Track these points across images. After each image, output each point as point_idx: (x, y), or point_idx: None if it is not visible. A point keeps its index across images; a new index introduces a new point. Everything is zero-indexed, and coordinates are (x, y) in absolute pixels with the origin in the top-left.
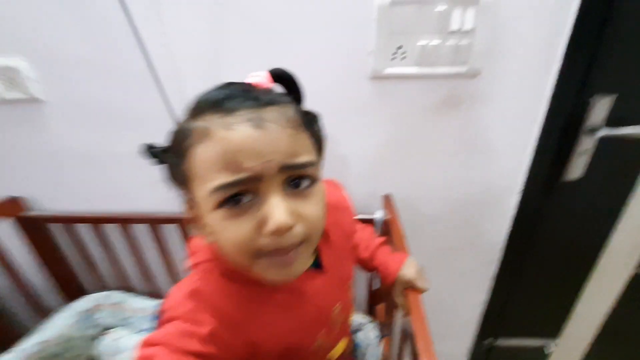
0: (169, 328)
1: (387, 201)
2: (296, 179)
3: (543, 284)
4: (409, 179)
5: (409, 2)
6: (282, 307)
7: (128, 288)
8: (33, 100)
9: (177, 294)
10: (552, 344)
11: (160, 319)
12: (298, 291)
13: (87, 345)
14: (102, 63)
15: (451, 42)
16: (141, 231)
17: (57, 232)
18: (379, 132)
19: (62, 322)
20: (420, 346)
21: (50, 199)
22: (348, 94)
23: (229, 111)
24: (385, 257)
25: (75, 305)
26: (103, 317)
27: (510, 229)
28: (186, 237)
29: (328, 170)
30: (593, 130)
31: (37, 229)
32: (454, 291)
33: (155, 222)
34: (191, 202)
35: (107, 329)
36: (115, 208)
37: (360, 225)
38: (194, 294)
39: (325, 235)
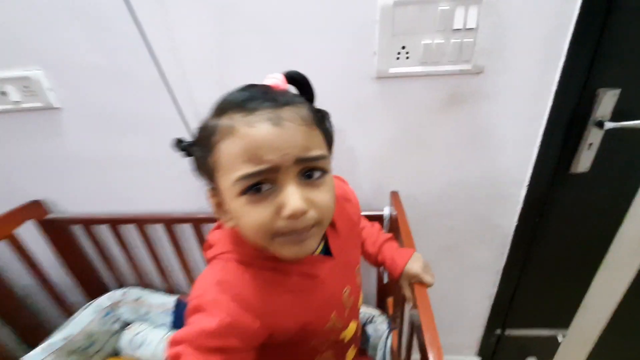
0: (194, 325)
1: (395, 198)
2: (309, 170)
3: (552, 275)
4: (416, 176)
5: (411, 2)
6: (296, 290)
7: (145, 285)
8: (49, 108)
9: (201, 283)
10: (561, 334)
11: (187, 307)
12: (310, 275)
13: (110, 339)
14: (113, 70)
15: (454, 40)
16: (157, 230)
17: (78, 232)
18: (385, 131)
19: (85, 318)
20: (427, 337)
21: (70, 201)
22: (353, 94)
23: (251, 111)
24: (392, 252)
25: (97, 302)
26: (123, 313)
27: (518, 222)
28: (200, 235)
29: (336, 168)
30: (600, 123)
31: (58, 230)
32: (463, 284)
33: (169, 222)
34: (215, 191)
35: (127, 323)
36: (132, 209)
37: (368, 222)
38: (216, 283)
39: (332, 225)
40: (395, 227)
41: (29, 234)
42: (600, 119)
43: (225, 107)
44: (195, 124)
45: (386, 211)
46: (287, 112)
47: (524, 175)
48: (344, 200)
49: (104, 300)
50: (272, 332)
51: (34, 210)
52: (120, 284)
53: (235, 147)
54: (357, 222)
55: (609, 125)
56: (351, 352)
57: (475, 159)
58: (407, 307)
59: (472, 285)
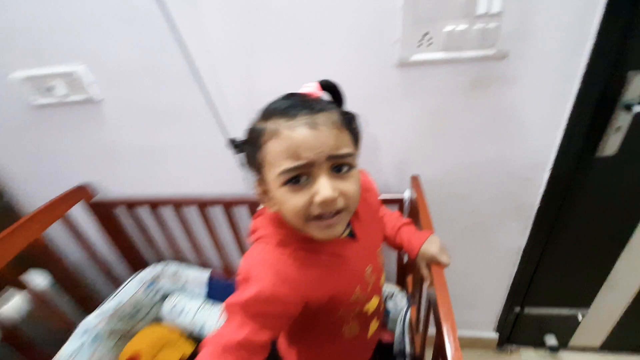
0: (242, 292)
1: (415, 182)
2: (339, 165)
3: (573, 256)
4: (438, 160)
5: None
6: (326, 266)
7: (181, 260)
8: (92, 101)
9: (247, 260)
10: (581, 313)
11: (237, 279)
12: (338, 255)
13: (153, 308)
14: (148, 66)
15: (478, 25)
16: (191, 211)
17: (121, 213)
18: (407, 116)
19: (131, 289)
20: (442, 313)
21: (113, 185)
22: (376, 82)
23: (292, 117)
24: (409, 234)
25: (141, 275)
26: (163, 285)
27: (540, 205)
28: (229, 216)
29: (359, 153)
30: (628, 106)
31: (104, 211)
32: (483, 263)
33: (202, 204)
34: (261, 181)
35: (167, 294)
36: (168, 192)
37: (388, 210)
38: (259, 261)
39: (356, 213)
40: (415, 210)
41: (79, 214)
42: (629, 102)
43: (271, 113)
44: (224, 116)
45: (406, 194)
46: (321, 118)
47: (547, 158)
48: (364, 190)
49: (147, 273)
50: (307, 302)
51: (82, 193)
52: (159, 259)
53: (279, 147)
54: (377, 209)
55: (638, 108)
56: (374, 324)
57: (498, 143)
58: (425, 285)
59: (491, 264)
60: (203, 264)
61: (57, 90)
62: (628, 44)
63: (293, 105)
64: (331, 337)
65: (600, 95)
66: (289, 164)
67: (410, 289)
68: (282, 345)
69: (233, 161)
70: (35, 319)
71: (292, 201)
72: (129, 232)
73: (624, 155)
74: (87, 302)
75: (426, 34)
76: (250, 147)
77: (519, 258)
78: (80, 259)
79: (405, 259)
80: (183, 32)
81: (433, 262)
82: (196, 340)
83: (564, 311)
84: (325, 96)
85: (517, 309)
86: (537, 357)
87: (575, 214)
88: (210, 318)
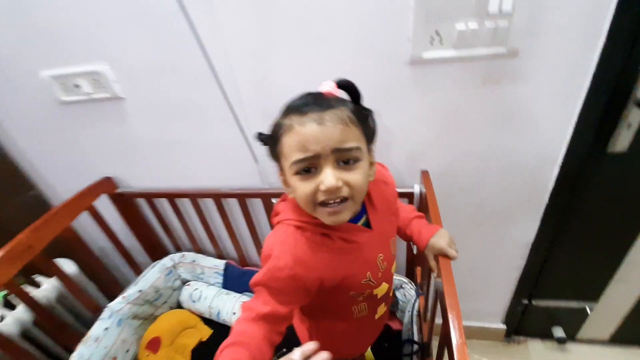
0: (265, 271)
1: (425, 176)
2: (346, 158)
3: (582, 250)
4: (448, 154)
5: None
6: (340, 251)
7: (199, 250)
8: (115, 98)
9: (269, 241)
10: (589, 307)
11: (261, 257)
12: (351, 241)
13: (173, 293)
14: (169, 65)
15: (489, 24)
16: (208, 204)
17: (142, 204)
18: (418, 113)
19: (153, 276)
20: (448, 302)
21: (135, 177)
22: (388, 79)
23: (304, 114)
24: (419, 227)
25: (161, 263)
26: (182, 273)
27: (549, 200)
28: (244, 208)
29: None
30: None
31: (126, 202)
32: (492, 256)
33: (218, 196)
34: (281, 171)
35: (185, 282)
36: (186, 185)
37: (402, 203)
38: (280, 242)
39: (373, 204)
40: (424, 203)
41: (103, 205)
42: None
43: (288, 110)
44: (238, 112)
45: (416, 189)
46: (329, 115)
47: (557, 153)
48: (382, 183)
49: (167, 261)
50: (322, 281)
51: (106, 185)
52: (178, 249)
53: (292, 140)
54: (393, 201)
55: None
56: (382, 308)
57: (507, 138)
58: (433, 277)
59: (500, 256)
60: (220, 254)
61: (82, 88)
62: (639, 41)
63: (306, 103)
64: (341, 315)
65: (612, 92)
66: (299, 156)
67: (419, 279)
68: (296, 319)
69: (248, 156)
70: (65, 303)
71: (301, 188)
72: (149, 223)
73: (635, 152)
74: (111, 288)
75: (437, 32)
76: (271, 141)
77: (528, 251)
78: (104, 247)
79: (415, 250)
80: (201, 33)
81: (441, 255)
82: (214, 325)
83: (573, 304)
84: (342, 94)
85: (525, 301)
86: (545, 348)
87: (585, 209)
88: (227, 305)
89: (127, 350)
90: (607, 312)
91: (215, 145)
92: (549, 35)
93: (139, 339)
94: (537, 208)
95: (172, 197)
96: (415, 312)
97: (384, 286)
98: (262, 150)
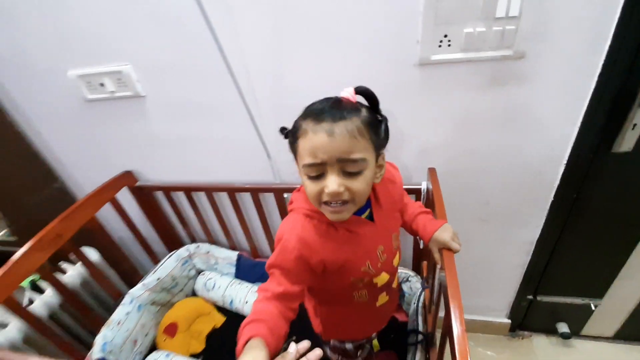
0: (277, 254)
1: (432, 173)
2: (350, 168)
3: (587, 248)
4: (455, 153)
5: None
6: (342, 239)
7: (213, 241)
8: (137, 96)
9: (283, 226)
10: (594, 303)
11: (275, 239)
12: (353, 232)
13: (188, 282)
14: (188, 65)
15: (496, 27)
16: (222, 197)
17: (160, 197)
18: (426, 112)
19: (170, 265)
20: (450, 292)
21: (153, 172)
22: (397, 80)
23: (319, 122)
24: (424, 221)
25: (177, 253)
26: (197, 263)
27: (554, 198)
28: (257, 202)
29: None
30: None
31: (145, 195)
32: (497, 252)
33: (232, 191)
34: (299, 166)
35: (200, 271)
36: (202, 179)
37: (411, 200)
38: (290, 228)
39: (378, 200)
40: (431, 200)
41: (124, 197)
42: None
43: (307, 114)
44: (253, 110)
45: (423, 185)
46: (339, 127)
47: (563, 153)
48: (389, 181)
49: (183, 251)
50: (325, 264)
51: (127, 178)
52: (193, 240)
53: (305, 145)
54: (399, 199)
55: None
56: (383, 297)
57: (513, 138)
58: (437, 270)
59: (505, 253)
60: (233, 246)
61: (106, 86)
62: None
63: (323, 110)
64: (342, 299)
65: (617, 94)
66: (309, 160)
67: (424, 273)
68: (306, 301)
69: (261, 152)
70: (88, 289)
71: (309, 187)
72: (167, 215)
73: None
74: (130, 276)
75: (446, 35)
76: (291, 138)
77: (533, 248)
78: (123, 237)
79: (421, 245)
80: (219, 35)
81: (445, 248)
82: (226, 312)
83: (577, 300)
84: (360, 99)
85: (530, 297)
86: (549, 343)
87: (590, 207)
88: (239, 294)
89: (146, 334)
90: (611, 309)
91: (231, 142)
92: (555, 38)
93: (157, 324)
94: (542, 206)
95: (188, 190)
96: (420, 304)
97: (384, 276)
98: (275, 147)
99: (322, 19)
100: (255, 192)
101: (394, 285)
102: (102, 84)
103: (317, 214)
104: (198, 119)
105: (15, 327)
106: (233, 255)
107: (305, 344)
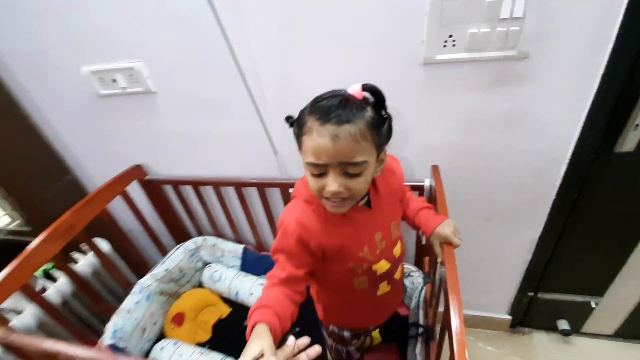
0: (279, 238)
1: (435, 171)
2: (350, 171)
3: (588, 246)
4: (458, 151)
5: None
6: (340, 223)
7: (219, 234)
8: (148, 92)
9: (285, 212)
10: (594, 301)
11: (277, 225)
12: (351, 217)
13: (195, 274)
14: (198, 62)
15: (500, 28)
16: (229, 192)
17: (168, 191)
18: (430, 111)
19: (177, 257)
20: (450, 285)
21: (162, 166)
22: (402, 79)
23: (324, 122)
24: (427, 216)
25: (185, 245)
26: (204, 255)
27: (556, 197)
28: (263, 197)
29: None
30: None
31: (154, 188)
32: (499, 250)
33: (239, 185)
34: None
35: (207, 263)
36: (210, 173)
37: (414, 195)
38: (291, 212)
39: (377, 189)
40: (434, 197)
41: (134, 191)
42: None
43: (315, 108)
44: (261, 107)
45: (426, 182)
46: (344, 130)
47: (565, 152)
48: (388, 172)
49: (190, 244)
50: (324, 247)
51: (137, 172)
52: (200, 233)
53: (310, 143)
54: (397, 189)
55: None
56: (384, 286)
57: (516, 137)
58: (439, 266)
59: (507, 250)
60: (238, 239)
61: (119, 82)
62: None
63: (330, 109)
64: (343, 286)
65: (620, 94)
66: (312, 160)
67: (426, 269)
68: (310, 287)
69: (268, 148)
70: (98, 278)
71: (311, 182)
72: (175, 208)
73: None
74: (139, 266)
75: (450, 35)
76: (296, 128)
77: (534, 246)
78: (132, 229)
79: (423, 240)
80: (229, 33)
81: (446, 242)
82: (232, 304)
83: (578, 298)
84: (367, 96)
85: (531, 294)
86: (549, 340)
87: (592, 206)
88: (244, 286)
89: (155, 323)
90: (611, 307)
91: (238, 138)
92: (559, 39)
93: (165, 313)
94: (544, 205)
95: (196, 184)
96: (422, 299)
97: (384, 264)
98: (281, 143)
99: (329, 20)
100: (262, 187)
101: (397, 276)
102: (114, 80)
103: (316, 199)
104: (207, 115)
105: (30, 313)
106: (239, 248)
107: (305, 339)
